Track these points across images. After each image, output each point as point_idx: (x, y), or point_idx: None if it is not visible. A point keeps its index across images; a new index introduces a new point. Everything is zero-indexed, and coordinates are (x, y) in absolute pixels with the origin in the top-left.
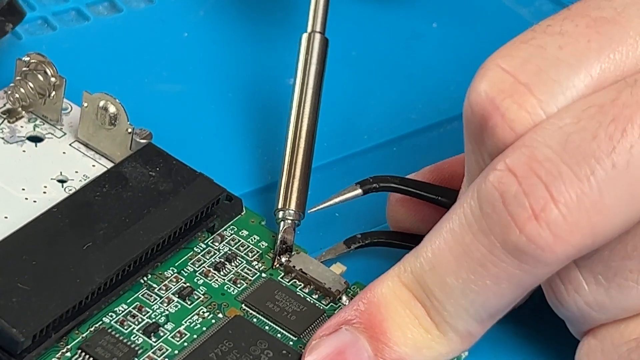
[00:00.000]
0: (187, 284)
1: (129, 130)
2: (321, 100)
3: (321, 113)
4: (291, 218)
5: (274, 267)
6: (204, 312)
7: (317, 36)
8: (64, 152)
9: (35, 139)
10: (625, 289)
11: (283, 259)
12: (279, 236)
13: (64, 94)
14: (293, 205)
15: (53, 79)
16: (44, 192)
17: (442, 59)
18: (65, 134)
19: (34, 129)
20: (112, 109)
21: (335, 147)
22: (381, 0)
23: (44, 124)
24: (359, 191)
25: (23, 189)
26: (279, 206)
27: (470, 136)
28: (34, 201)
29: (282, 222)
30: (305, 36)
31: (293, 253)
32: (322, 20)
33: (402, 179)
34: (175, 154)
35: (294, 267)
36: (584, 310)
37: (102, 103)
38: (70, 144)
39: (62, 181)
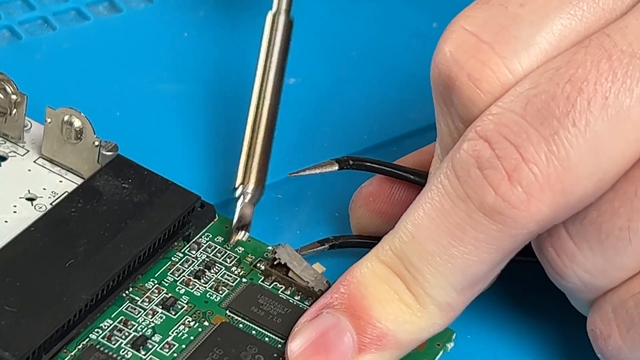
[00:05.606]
0: (170, 294)
1: (96, 143)
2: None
3: (321, 113)
4: (250, 194)
5: (229, 244)
6: (189, 322)
7: (282, 16)
8: (29, 170)
9: None
10: (619, 248)
11: (240, 236)
12: (236, 213)
13: (26, 111)
14: (252, 182)
15: (14, 97)
16: (14, 212)
17: None
18: (28, 151)
19: None
20: (77, 123)
21: (335, 147)
22: None
23: (5, 142)
24: (335, 167)
25: None
26: (237, 183)
27: (439, 98)
28: (5, 221)
29: (239, 199)
30: (269, 16)
31: (278, 244)
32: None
33: (377, 160)
34: (169, 154)
35: (279, 259)
36: (585, 278)
37: (66, 117)
38: (34, 161)
39: (31, 199)
